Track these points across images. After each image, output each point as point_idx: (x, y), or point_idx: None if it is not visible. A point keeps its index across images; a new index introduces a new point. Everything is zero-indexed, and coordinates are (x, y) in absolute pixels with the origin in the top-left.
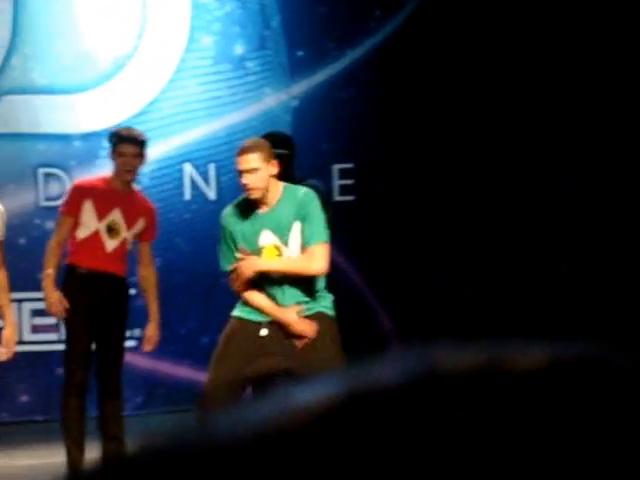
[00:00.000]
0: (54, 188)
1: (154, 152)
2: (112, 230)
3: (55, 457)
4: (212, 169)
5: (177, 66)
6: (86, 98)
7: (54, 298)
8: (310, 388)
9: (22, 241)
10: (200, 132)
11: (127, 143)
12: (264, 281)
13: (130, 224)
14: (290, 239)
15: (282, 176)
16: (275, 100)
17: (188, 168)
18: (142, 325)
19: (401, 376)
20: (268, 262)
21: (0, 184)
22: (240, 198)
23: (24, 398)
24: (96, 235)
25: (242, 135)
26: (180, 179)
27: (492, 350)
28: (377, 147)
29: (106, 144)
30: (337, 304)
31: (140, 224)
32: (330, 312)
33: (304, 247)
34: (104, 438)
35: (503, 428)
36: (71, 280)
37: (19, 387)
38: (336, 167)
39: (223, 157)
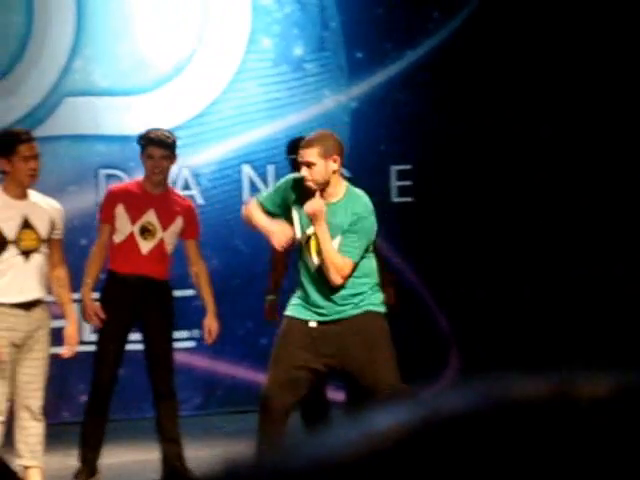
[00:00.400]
0: None
1: (213, 153)
2: (147, 231)
3: (113, 457)
4: (271, 170)
5: (237, 68)
6: (146, 100)
7: (90, 308)
8: (388, 413)
9: (83, 242)
10: (259, 133)
11: (155, 146)
12: (312, 271)
13: (166, 224)
14: (337, 240)
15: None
16: (334, 102)
17: (247, 169)
18: (199, 325)
19: (474, 404)
20: (325, 230)
21: (61, 185)
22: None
23: (84, 398)
24: (131, 238)
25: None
26: (239, 181)
27: (562, 378)
28: (435, 148)
29: None
30: (395, 306)
31: (178, 223)
32: (380, 309)
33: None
34: (161, 440)
35: (573, 455)
36: (109, 285)
37: (79, 387)
38: (394, 168)
39: (282, 159)
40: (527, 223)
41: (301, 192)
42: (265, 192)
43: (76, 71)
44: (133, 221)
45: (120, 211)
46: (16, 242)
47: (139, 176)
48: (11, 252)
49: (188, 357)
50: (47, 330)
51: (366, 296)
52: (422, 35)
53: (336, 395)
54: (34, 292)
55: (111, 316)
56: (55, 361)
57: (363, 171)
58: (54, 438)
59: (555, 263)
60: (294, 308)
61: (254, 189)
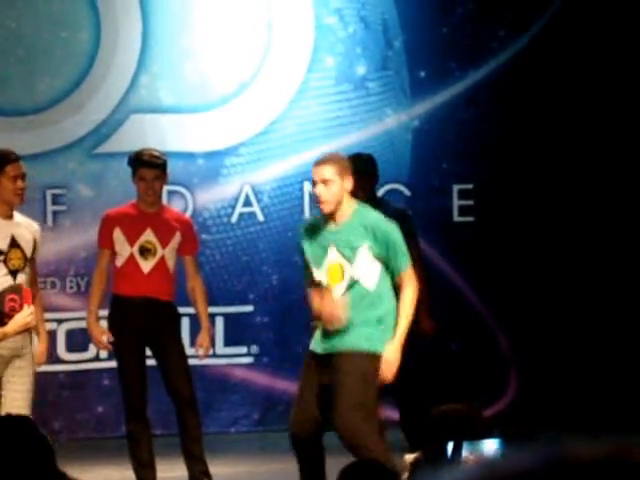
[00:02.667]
0: (178, 205)
1: (275, 171)
2: (147, 251)
3: (174, 471)
4: None
5: (299, 86)
6: (210, 117)
7: (97, 334)
8: (461, 470)
9: None
10: (321, 152)
11: (147, 167)
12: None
13: (165, 241)
14: (357, 259)
15: (367, 196)
16: (396, 120)
17: (308, 187)
18: (258, 341)
19: (535, 462)
20: (398, 340)
21: (125, 201)
22: (315, 216)
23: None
24: (131, 260)
25: None
26: (300, 198)
27: (619, 441)
28: (497, 168)
29: (228, 162)
30: (456, 325)
31: (176, 239)
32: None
33: (394, 276)
34: (185, 458)
35: None
36: (114, 309)
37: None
38: (456, 187)
39: None
40: (589, 244)
41: (310, 230)
42: (305, 276)
43: (142, 88)
44: (131, 243)
45: (117, 234)
46: (5, 261)
47: (203, 193)
48: (0, 270)
49: (246, 373)
50: (30, 348)
51: (379, 332)
52: (486, 54)
53: (392, 414)
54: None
55: (121, 338)
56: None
57: (424, 190)
58: (117, 450)
59: (621, 285)
60: (312, 340)
61: (315, 206)
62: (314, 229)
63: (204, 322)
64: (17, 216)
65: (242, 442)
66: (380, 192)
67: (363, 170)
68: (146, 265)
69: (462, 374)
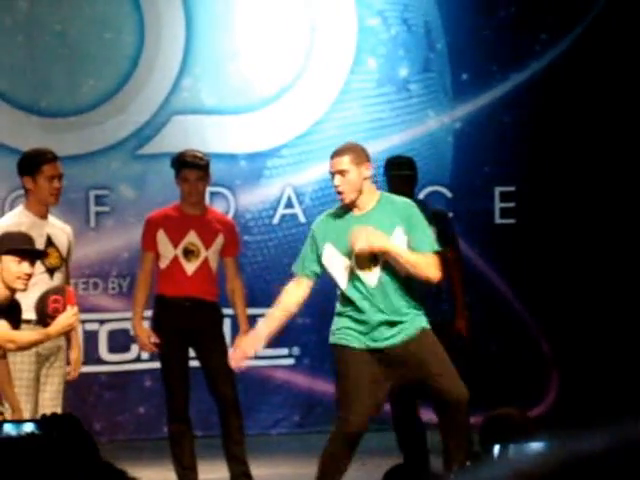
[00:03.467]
0: (220, 207)
1: (317, 172)
2: (190, 253)
3: (215, 473)
4: None
5: (341, 88)
6: (252, 118)
7: (142, 336)
8: (530, 453)
9: None
10: None
11: (190, 168)
12: (361, 292)
13: (208, 243)
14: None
15: (408, 197)
16: (437, 123)
17: None
18: (300, 343)
19: (608, 446)
20: (395, 245)
21: (167, 203)
22: (336, 207)
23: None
24: (175, 261)
25: None
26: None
27: None
28: (539, 170)
29: (270, 164)
30: (496, 327)
31: (219, 241)
32: (427, 326)
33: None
34: (226, 458)
35: None
36: (158, 310)
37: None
38: (497, 190)
39: (384, 179)
40: (634, 247)
41: (332, 219)
42: (298, 260)
43: (184, 89)
44: (175, 245)
45: (161, 236)
46: (42, 259)
47: (245, 194)
48: (38, 269)
49: (288, 374)
50: (65, 347)
51: (413, 318)
52: (528, 57)
53: (433, 416)
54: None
55: (165, 339)
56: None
57: (466, 193)
58: (158, 452)
59: None
60: (349, 337)
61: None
62: (337, 217)
63: (243, 325)
64: (51, 218)
65: (283, 444)
66: (421, 194)
67: (402, 172)
68: (189, 267)
69: (501, 376)
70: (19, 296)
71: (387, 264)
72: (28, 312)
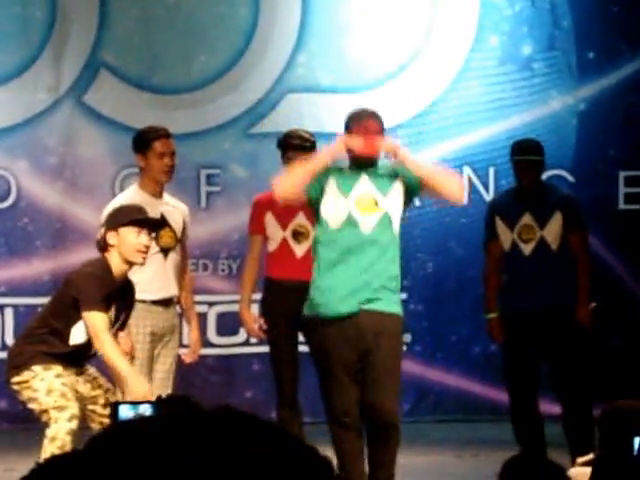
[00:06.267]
0: None
1: (433, 154)
2: (299, 234)
3: None
4: (492, 173)
5: (461, 66)
6: (369, 97)
7: (250, 322)
8: None
9: None
10: (481, 135)
11: (294, 150)
12: (347, 262)
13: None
14: (390, 193)
15: (534, 182)
16: (561, 103)
17: (467, 171)
18: (411, 329)
19: None
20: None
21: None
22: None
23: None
24: (284, 244)
25: None
26: None
27: None
28: None
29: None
30: (619, 319)
31: None
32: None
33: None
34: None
35: None
36: (267, 293)
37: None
38: (622, 174)
39: (504, 161)
40: None
41: (338, 166)
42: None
43: (299, 66)
44: (284, 227)
45: (269, 219)
46: (156, 239)
47: None
48: (152, 249)
49: None
50: (179, 328)
51: (394, 295)
52: None
53: (551, 408)
54: (172, 289)
55: (274, 323)
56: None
57: (590, 177)
58: None
59: None
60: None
61: (474, 192)
62: (346, 171)
63: None
64: (166, 196)
65: None
66: (543, 178)
67: (527, 157)
68: (299, 249)
69: (623, 368)
70: (133, 276)
71: (387, 214)
72: (143, 292)
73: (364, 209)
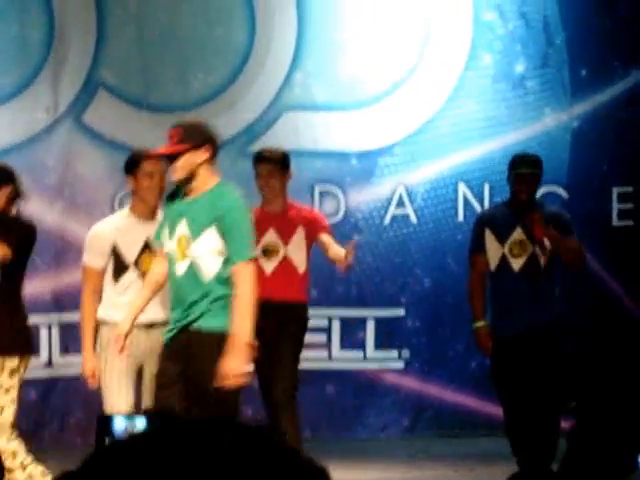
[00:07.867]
0: (330, 205)
1: (429, 171)
2: (269, 252)
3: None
4: (486, 189)
5: (455, 84)
6: (365, 115)
7: None
8: None
9: None
10: (476, 152)
11: (262, 162)
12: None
13: (286, 239)
14: (201, 238)
15: (529, 196)
16: (555, 120)
17: (463, 188)
18: (409, 345)
19: None
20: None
21: None
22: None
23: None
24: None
25: None
26: (454, 200)
27: None
28: None
29: (382, 162)
30: (612, 334)
31: (299, 233)
32: (225, 329)
33: (228, 262)
34: None
35: None
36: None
37: None
38: (615, 190)
39: (498, 177)
40: None
41: (168, 204)
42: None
43: (296, 85)
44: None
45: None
46: (136, 264)
47: (356, 193)
48: (130, 275)
49: (397, 377)
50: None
51: (215, 309)
52: None
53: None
54: (152, 314)
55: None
56: None
57: (583, 193)
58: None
59: None
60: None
61: (469, 208)
62: (172, 198)
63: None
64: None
65: (391, 448)
66: (537, 194)
67: (522, 170)
68: (268, 265)
69: (620, 386)
70: (111, 302)
71: (194, 260)
72: (112, 311)
73: (179, 252)
